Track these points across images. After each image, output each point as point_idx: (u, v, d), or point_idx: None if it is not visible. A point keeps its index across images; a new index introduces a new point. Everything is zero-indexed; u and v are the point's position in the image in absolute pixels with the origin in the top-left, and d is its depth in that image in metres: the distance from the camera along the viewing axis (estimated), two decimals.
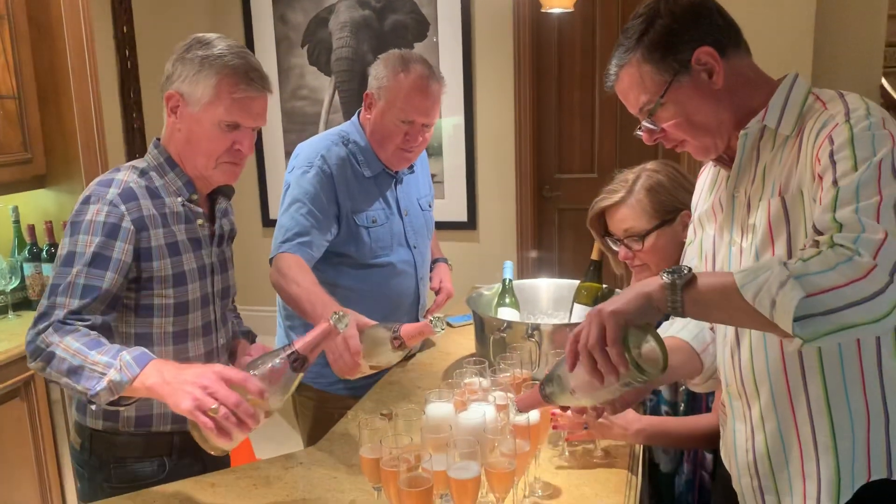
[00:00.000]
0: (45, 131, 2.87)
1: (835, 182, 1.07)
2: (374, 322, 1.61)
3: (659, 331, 1.55)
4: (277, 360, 1.29)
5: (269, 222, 4.76)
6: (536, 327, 1.86)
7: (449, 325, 2.48)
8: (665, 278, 1.10)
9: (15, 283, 2.70)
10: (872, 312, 0.97)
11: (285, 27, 4.51)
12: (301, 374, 1.31)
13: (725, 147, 1.31)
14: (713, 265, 1.38)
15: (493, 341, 1.91)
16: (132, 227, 1.44)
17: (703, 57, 1.23)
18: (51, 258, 2.73)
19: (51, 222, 2.76)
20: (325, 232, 1.93)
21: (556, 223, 4.49)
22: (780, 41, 3.60)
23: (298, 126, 4.62)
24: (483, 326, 2.02)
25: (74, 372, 1.30)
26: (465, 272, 4.02)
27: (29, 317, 2.71)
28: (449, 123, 4.33)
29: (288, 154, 4.58)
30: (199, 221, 1.56)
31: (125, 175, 1.50)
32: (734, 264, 1.31)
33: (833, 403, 1.20)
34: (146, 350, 1.34)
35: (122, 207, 1.44)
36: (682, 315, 1.11)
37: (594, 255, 2.07)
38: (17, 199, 2.84)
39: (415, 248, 2.11)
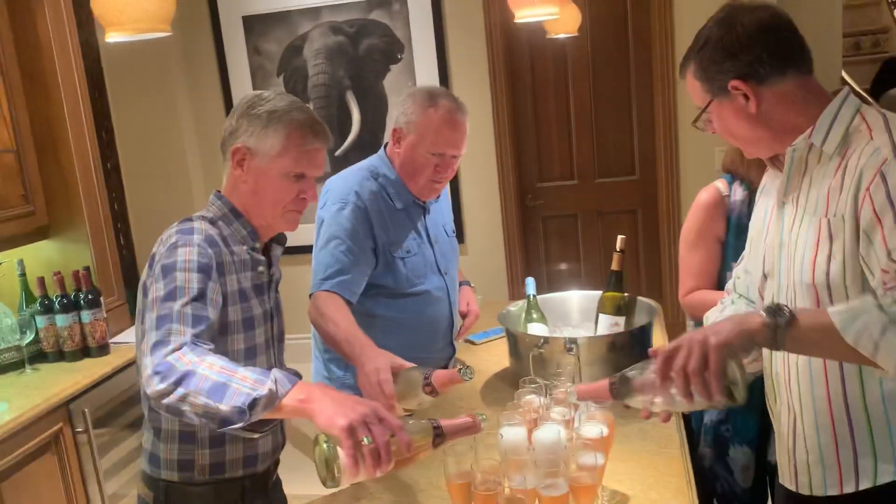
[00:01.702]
0: (45, 182, 2.86)
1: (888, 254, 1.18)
2: (409, 364, 1.66)
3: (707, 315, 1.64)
4: (423, 424, 1.34)
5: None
6: (574, 341, 1.94)
7: (472, 342, 2.55)
8: (767, 318, 1.19)
9: (30, 336, 2.68)
10: None
11: (260, 57, 4.53)
12: (430, 450, 1.35)
13: (771, 154, 1.44)
14: (764, 264, 1.50)
15: (532, 357, 1.99)
16: (216, 271, 1.48)
17: (738, 86, 1.35)
18: (63, 309, 2.72)
19: (60, 273, 2.75)
20: (364, 267, 1.99)
21: (542, 231, 4.59)
22: None
23: None
24: (517, 343, 2.10)
25: (218, 390, 1.26)
26: None
27: (48, 369, 2.71)
28: None
29: None
30: (261, 268, 1.61)
31: (200, 224, 1.53)
32: (784, 268, 1.41)
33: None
34: None
35: (210, 251, 1.48)
36: (780, 349, 1.23)
37: (615, 266, 2.17)
38: (21, 252, 2.82)
39: (446, 273, 2.17)
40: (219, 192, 1.61)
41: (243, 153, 1.54)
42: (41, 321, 2.73)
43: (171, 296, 1.40)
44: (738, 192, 2.10)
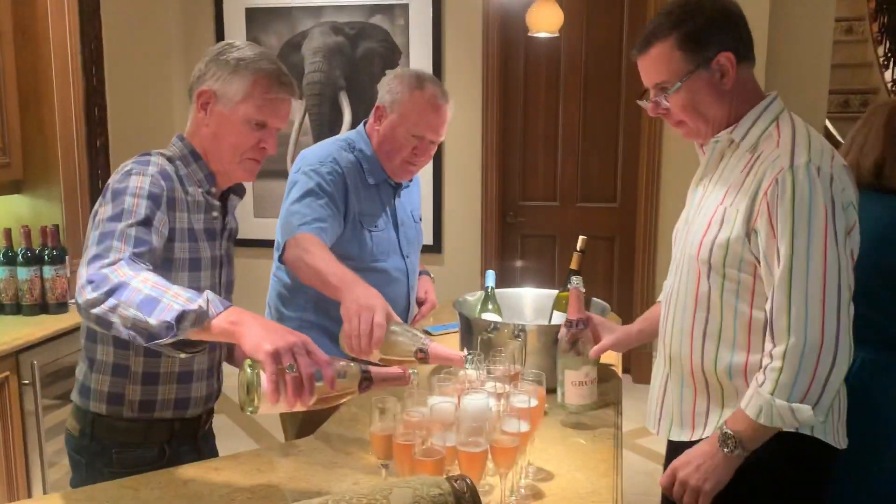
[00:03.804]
0: (25, 136, 2.87)
1: (778, 259, 1.35)
2: (397, 318, 1.61)
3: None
4: (352, 367, 1.32)
5: (241, 242, 4.75)
6: (522, 328, 1.95)
7: (428, 333, 2.55)
8: (728, 451, 1.44)
9: None
10: (843, 367, 1.35)
11: None
12: (354, 394, 1.34)
13: (710, 138, 1.52)
14: (678, 238, 1.64)
15: (480, 342, 1.99)
16: (166, 204, 1.49)
17: (724, 60, 1.43)
18: (27, 262, 2.71)
19: (28, 227, 2.74)
20: (338, 226, 1.98)
21: (519, 248, 4.62)
22: None
23: None
24: (470, 328, 2.11)
25: (149, 303, 1.25)
26: None
27: (2, 320, 2.68)
28: None
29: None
30: (214, 213, 1.62)
31: (157, 158, 1.55)
32: (682, 243, 1.58)
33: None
34: None
35: (164, 183, 1.49)
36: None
37: (573, 265, 2.18)
38: None
39: (407, 257, 2.18)
40: (181, 134, 1.63)
41: (208, 96, 1.57)
42: (2, 272, 2.72)
43: (116, 217, 1.40)
44: None
